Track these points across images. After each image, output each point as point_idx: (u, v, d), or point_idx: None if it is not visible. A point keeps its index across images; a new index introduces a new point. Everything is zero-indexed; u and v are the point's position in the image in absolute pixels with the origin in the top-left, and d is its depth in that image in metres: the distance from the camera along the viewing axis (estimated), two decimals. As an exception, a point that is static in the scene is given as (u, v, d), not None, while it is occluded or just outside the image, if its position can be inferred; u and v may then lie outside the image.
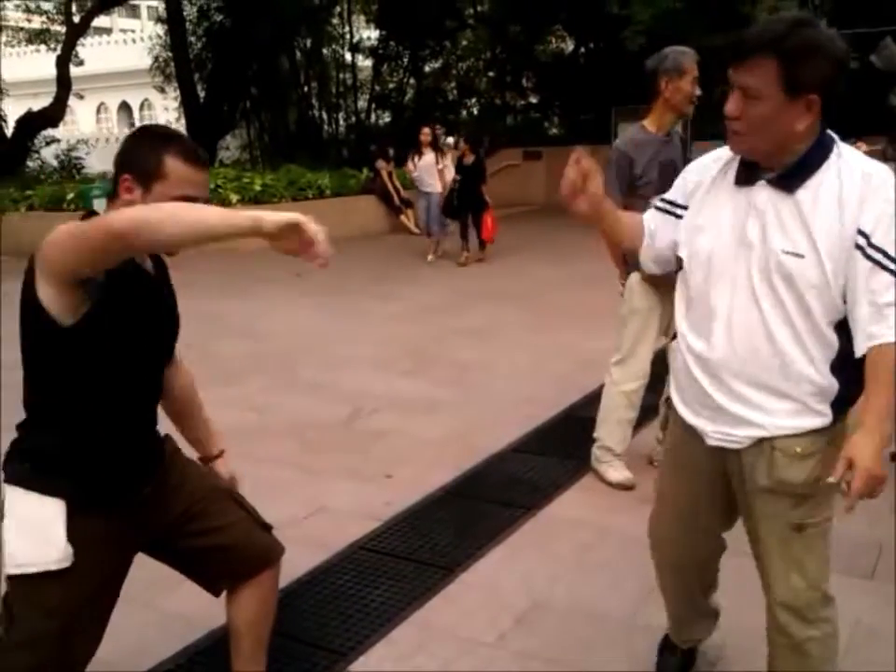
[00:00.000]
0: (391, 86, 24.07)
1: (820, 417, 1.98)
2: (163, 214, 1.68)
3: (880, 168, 1.92)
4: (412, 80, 23.94)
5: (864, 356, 1.87)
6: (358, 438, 4.82)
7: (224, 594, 2.25)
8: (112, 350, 1.88)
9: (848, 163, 1.90)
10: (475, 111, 24.47)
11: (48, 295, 1.77)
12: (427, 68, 23.97)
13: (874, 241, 1.84)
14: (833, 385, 1.95)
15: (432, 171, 11.53)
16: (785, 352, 1.93)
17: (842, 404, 1.99)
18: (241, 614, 2.23)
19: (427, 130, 11.78)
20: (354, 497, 4.01)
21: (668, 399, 2.33)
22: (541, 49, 23.38)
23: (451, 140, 15.35)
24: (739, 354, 1.97)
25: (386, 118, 23.57)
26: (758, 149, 1.93)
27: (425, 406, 5.32)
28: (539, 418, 4.97)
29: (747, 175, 1.98)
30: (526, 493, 3.99)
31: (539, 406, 5.15)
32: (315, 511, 3.85)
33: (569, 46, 23.17)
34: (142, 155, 1.90)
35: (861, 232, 1.84)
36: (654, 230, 2.20)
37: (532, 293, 8.89)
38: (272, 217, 1.65)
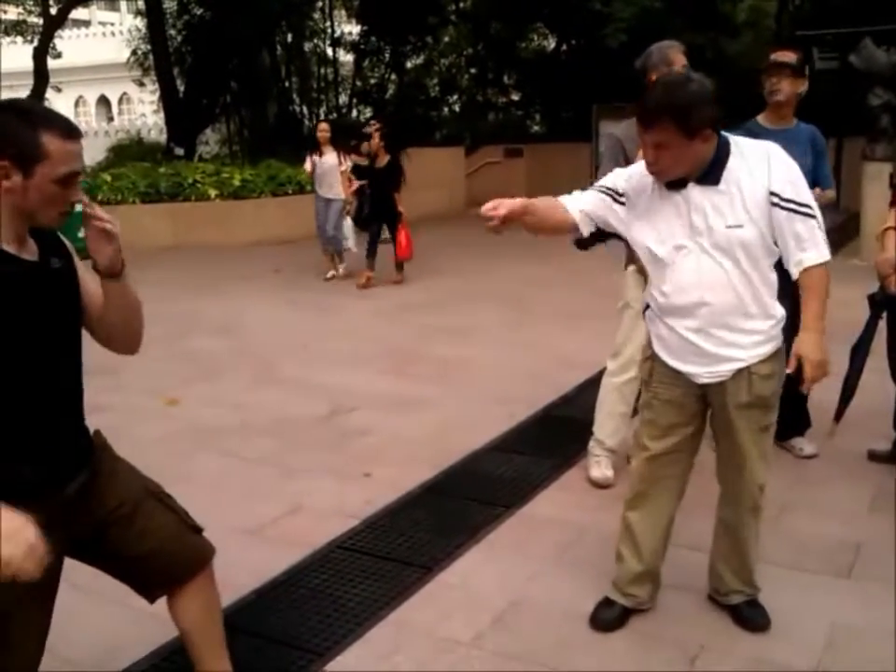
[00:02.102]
0: (373, 81, 23.98)
1: (775, 341, 2.61)
2: None
3: (764, 142, 2.57)
4: (393, 76, 23.87)
5: (797, 280, 2.51)
6: (337, 436, 4.79)
7: (161, 600, 2.20)
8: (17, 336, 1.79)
9: (744, 146, 2.52)
10: (457, 108, 24.44)
11: None
12: (408, 64, 23.90)
13: (785, 196, 2.45)
14: (780, 312, 2.59)
15: (334, 173, 9.73)
16: (747, 299, 2.52)
17: (782, 326, 2.61)
18: (185, 618, 2.19)
19: (324, 125, 10.07)
20: (332, 495, 3.98)
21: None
22: (523, 46, 23.37)
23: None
24: (718, 311, 2.52)
25: (368, 113, 23.48)
26: (678, 175, 2.48)
27: (404, 404, 5.29)
28: (518, 417, 4.96)
29: (675, 182, 2.51)
30: (505, 491, 3.98)
31: (517, 404, 5.14)
32: (293, 510, 3.82)
33: (551, 43, 23.19)
34: (16, 139, 1.76)
35: (772, 193, 2.45)
36: (596, 210, 2.64)
37: (511, 292, 8.87)
38: None
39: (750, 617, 2.85)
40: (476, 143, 20.36)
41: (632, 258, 3.82)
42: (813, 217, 2.49)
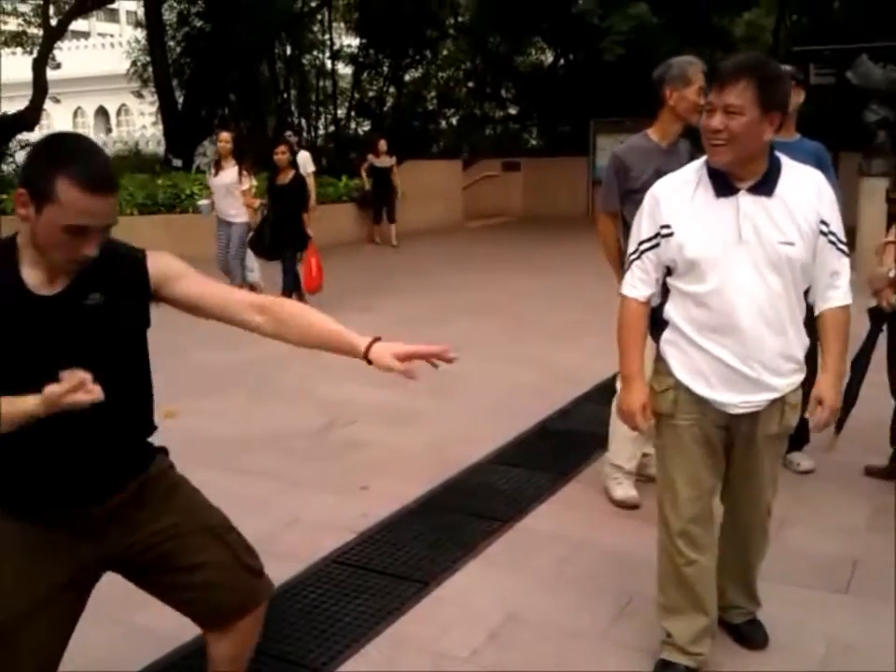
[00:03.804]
0: (371, 94, 24.08)
1: (803, 371, 2.50)
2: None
3: (813, 170, 2.50)
4: (392, 89, 23.97)
5: (819, 315, 2.47)
6: (335, 449, 4.78)
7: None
8: (8, 369, 1.79)
9: (795, 165, 2.45)
10: (454, 121, 24.53)
11: None
12: (407, 77, 24.01)
13: (831, 228, 2.41)
14: (807, 340, 2.49)
15: (234, 192, 8.42)
16: (787, 321, 2.40)
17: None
18: (219, 650, 2.14)
19: (225, 135, 8.72)
20: (329, 508, 3.97)
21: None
22: (521, 60, 23.51)
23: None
24: (761, 331, 2.37)
25: (366, 126, 23.56)
26: (736, 159, 2.32)
27: (401, 417, 5.29)
28: (515, 430, 4.96)
29: (725, 187, 2.38)
30: (502, 505, 3.97)
31: (514, 418, 5.14)
32: (289, 523, 3.81)
33: (549, 57, 23.32)
34: (37, 173, 1.74)
35: (822, 221, 2.39)
36: (651, 273, 2.51)
37: (509, 305, 8.88)
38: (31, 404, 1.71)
39: (750, 635, 2.83)
40: (474, 156, 20.43)
41: None
42: (848, 256, 2.46)
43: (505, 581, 3.30)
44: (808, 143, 4.03)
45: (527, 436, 4.93)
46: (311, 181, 10.90)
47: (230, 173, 8.45)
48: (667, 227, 2.42)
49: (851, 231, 10.75)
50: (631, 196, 3.76)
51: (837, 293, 2.45)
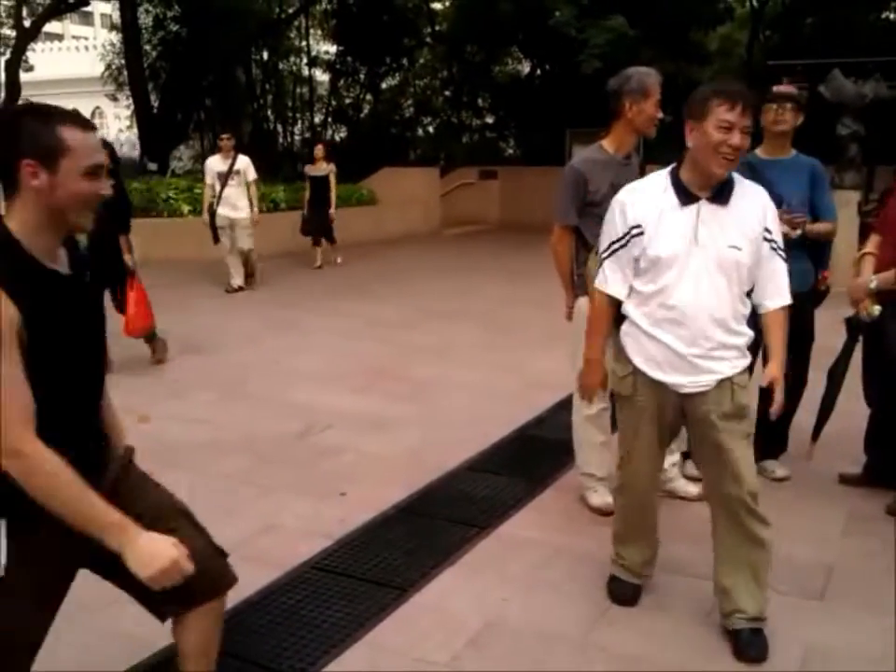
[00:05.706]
0: (348, 101, 24.09)
1: (747, 357, 2.84)
2: (51, 482, 1.77)
3: (757, 186, 2.83)
4: (368, 96, 24.00)
5: (764, 313, 2.81)
6: (311, 454, 4.75)
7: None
8: (44, 365, 1.80)
9: (742, 181, 2.77)
10: (431, 129, 24.60)
11: None
12: (384, 84, 24.05)
13: (772, 236, 2.76)
14: (751, 334, 2.81)
15: None
16: (731, 316, 2.73)
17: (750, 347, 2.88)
18: (189, 639, 2.14)
19: None
20: (306, 514, 3.94)
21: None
22: (498, 69, 23.61)
23: None
24: (707, 323, 2.71)
25: (343, 132, 23.56)
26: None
27: (378, 423, 5.26)
28: (492, 437, 4.95)
29: (688, 196, 2.71)
30: (480, 511, 3.96)
31: (492, 424, 5.13)
32: (266, 529, 3.78)
33: (525, 67, 23.44)
34: (35, 137, 1.78)
35: (766, 229, 2.74)
36: (623, 270, 2.83)
37: (487, 312, 8.90)
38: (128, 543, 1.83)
39: (746, 646, 2.78)
40: (451, 164, 20.49)
41: (585, 289, 3.75)
42: (786, 261, 2.81)
43: (483, 586, 3.29)
44: (803, 159, 4.07)
45: (505, 442, 4.93)
46: (253, 190, 10.32)
47: None
48: (639, 227, 2.75)
49: (825, 242, 10.62)
50: (589, 210, 3.71)
51: (782, 295, 2.80)
